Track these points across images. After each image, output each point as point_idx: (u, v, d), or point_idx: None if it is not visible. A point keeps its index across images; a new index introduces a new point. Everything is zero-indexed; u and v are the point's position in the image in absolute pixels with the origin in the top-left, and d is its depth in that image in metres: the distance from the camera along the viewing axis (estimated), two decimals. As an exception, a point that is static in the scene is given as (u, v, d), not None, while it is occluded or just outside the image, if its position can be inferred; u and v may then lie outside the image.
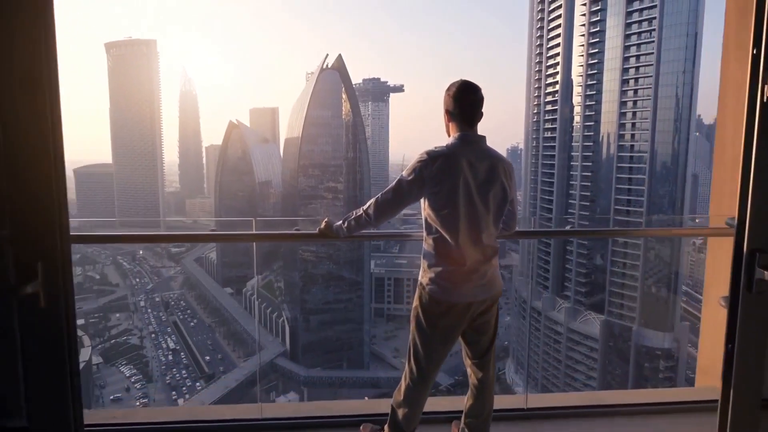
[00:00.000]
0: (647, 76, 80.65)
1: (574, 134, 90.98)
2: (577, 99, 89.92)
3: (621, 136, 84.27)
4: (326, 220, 4.41)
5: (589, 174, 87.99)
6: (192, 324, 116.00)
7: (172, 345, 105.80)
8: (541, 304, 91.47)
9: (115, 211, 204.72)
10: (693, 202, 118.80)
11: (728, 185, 5.15)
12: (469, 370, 4.23)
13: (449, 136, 3.91)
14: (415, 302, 3.99)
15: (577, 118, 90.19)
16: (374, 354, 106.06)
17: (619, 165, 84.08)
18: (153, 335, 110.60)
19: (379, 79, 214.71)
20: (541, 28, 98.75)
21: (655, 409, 5.07)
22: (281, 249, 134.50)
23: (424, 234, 3.88)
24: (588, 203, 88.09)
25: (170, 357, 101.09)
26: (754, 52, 2.58)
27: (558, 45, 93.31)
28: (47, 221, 2.34)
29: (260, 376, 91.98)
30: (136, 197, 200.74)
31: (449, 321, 3.85)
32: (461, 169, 3.62)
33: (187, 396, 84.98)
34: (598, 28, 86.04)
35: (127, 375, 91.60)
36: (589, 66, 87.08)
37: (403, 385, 4.08)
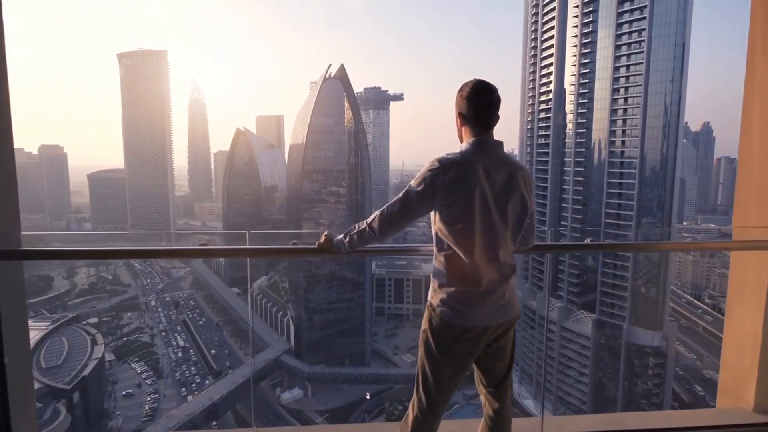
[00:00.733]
0: (637, 85, 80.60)
1: (566, 140, 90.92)
2: (569, 107, 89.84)
3: (612, 143, 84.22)
4: (326, 233, 4.00)
5: (582, 179, 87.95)
6: (201, 322, 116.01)
7: (181, 343, 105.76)
8: (536, 304, 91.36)
9: (127, 214, 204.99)
10: (681, 206, 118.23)
11: (755, 193, 4.76)
12: (483, 399, 3.78)
13: (462, 141, 3.46)
14: (424, 325, 3.51)
15: (569, 125, 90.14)
16: (375, 351, 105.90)
17: (610, 170, 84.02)
18: (163, 333, 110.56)
19: (379, 88, 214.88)
20: (535, 39, 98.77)
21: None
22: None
23: (435, 250, 3.44)
24: (580, 207, 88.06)
25: (180, 354, 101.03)
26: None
27: (551, 55, 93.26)
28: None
29: (266, 373, 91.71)
30: (147, 201, 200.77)
31: (462, 347, 3.40)
32: (477, 179, 3.18)
33: (196, 392, 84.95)
34: (589, 39, 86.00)
35: (139, 371, 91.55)
36: (581, 75, 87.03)
37: (410, 415, 3.60)
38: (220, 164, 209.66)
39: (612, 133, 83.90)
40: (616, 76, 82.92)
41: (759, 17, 4.73)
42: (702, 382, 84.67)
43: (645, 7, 79.21)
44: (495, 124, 3.41)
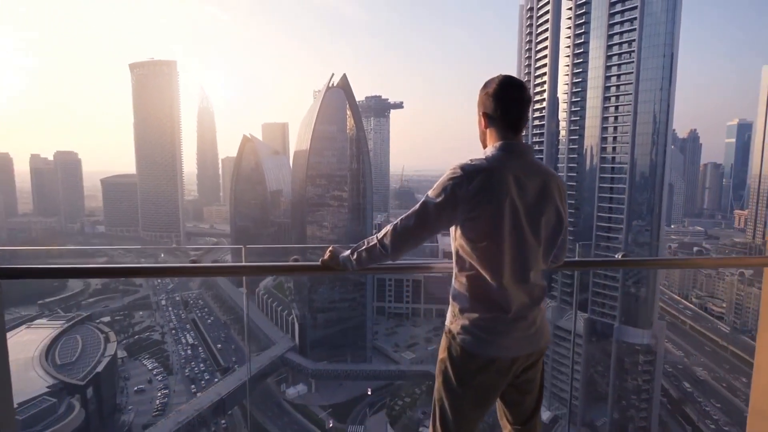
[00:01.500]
0: (627, 94, 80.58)
1: (560, 147, 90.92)
2: (562, 115, 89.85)
3: (603, 149, 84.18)
4: (331, 249, 3.50)
5: (574, 183, 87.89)
6: (209, 321, 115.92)
7: (190, 340, 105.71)
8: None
9: (139, 217, 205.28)
10: (669, 210, 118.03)
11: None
12: None
13: (485, 146, 3.01)
14: (442, 353, 3.06)
15: (562, 132, 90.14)
16: (376, 348, 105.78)
17: (601, 175, 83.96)
18: (173, 331, 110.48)
19: (380, 96, 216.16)
20: (529, 49, 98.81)
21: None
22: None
23: (455, 269, 3.00)
24: (573, 210, 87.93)
25: (189, 351, 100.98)
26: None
27: (545, 65, 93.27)
28: None
29: (271, 370, 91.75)
30: (158, 204, 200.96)
31: (486, 379, 2.95)
32: (506, 189, 2.72)
33: (204, 388, 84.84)
34: (581, 50, 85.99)
35: (150, 368, 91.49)
36: (574, 84, 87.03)
37: None
38: (227, 169, 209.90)
39: (603, 139, 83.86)
40: (607, 85, 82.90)
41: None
42: (690, 378, 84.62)
43: (635, 19, 79.23)
44: (525, 126, 2.99)
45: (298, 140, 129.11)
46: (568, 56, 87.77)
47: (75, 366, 72.39)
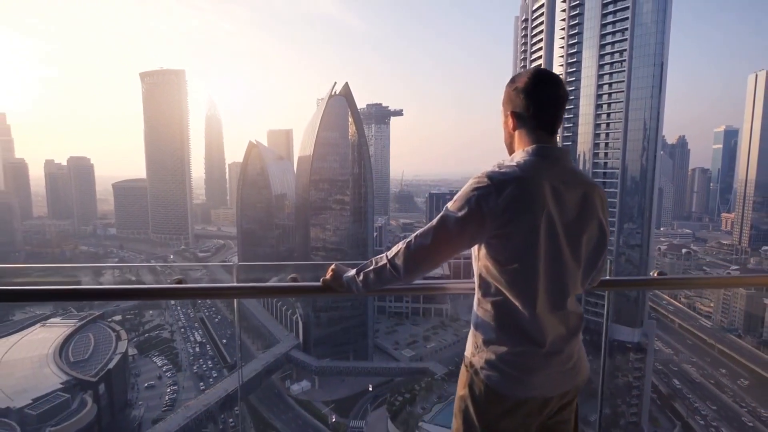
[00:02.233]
0: (618, 102, 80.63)
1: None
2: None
3: (596, 154, 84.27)
4: (333, 267, 3.07)
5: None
6: (216, 320, 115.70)
7: (199, 338, 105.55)
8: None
9: (149, 220, 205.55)
10: (659, 212, 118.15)
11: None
12: None
13: (512, 150, 2.58)
14: (462, 390, 2.60)
15: (556, 138, 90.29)
16: (377, 346, 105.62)
17: (594, 179, 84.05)
18: (182, 330, 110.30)
19: (381, 104, 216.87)
20: (524, 59, 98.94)
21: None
22: (295, 254, 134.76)
23: (477, 293, 2.54)
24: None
25: (197, 349, 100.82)
26: None
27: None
28: None
29: (276, 367, 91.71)
30: (167, 208, 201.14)
31: (515, 422, 2.50)
32: (543, 201, 2.26)
33: (212, 384, 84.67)
34: (575, 59, 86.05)
35: (159, 365, 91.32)
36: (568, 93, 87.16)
37: None
38: (234, 174, 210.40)
39: (596, 145, 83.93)
40: (599, 93, 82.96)
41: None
42: (679, 375, 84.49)
43: (626, 29, 79.33)
44: (559, 128, 2.55)
45: (302, 146, 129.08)
46: (562, 65, 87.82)
47: (88, 363, 72.27)
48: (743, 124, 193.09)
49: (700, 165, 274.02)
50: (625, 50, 79.71)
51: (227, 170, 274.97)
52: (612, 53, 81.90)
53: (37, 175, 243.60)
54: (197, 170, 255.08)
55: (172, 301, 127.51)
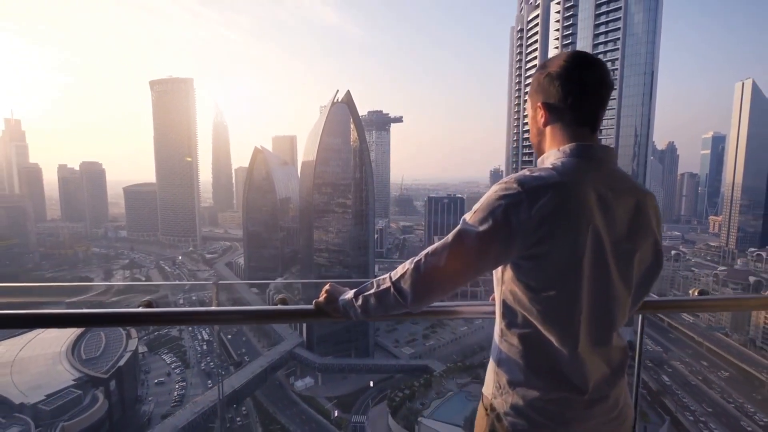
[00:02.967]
0: (611, 109, 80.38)
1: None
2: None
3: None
4: (328, 288, 2.44)
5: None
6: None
7: (206, 337, 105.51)
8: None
9: (158, 223, 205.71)
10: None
11: None
12: None
13: (542, 151, 2.08)
14: None
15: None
16: (378, 344, 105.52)
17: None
18: (190, 328, 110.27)
19: (381, 111, 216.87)
20: (520, 68, 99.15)
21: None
22: (299, 255, 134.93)
23: (500, 323, 2.02)
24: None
25: (205, 347, 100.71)
26: None
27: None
28: None
29: (280, 364, 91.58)
30: (176, 211, 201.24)
31: None
32: (589, 214, 1.78)
33: (219, 380, 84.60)
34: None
35: (168, 362, 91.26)
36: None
37: None
38: (240, 179, 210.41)
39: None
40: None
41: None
42: (668, 372, 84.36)
43: (618, 39, 79.60)
44: (601, 124, 2.07)
45: (306, 151, 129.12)
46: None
47: (99, 360, 72.22)
48: (730, 130, 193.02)
49: (688, 170, 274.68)
50: (617, 59, 79.92)
51: (233, 175, 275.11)
52: (604, 62, 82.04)
53: (50, 179, 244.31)
54: (205, 175, 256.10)
55: (181, 301, 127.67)
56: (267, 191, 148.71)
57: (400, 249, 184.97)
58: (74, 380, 61.83)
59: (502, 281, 1.97)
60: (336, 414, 77.81)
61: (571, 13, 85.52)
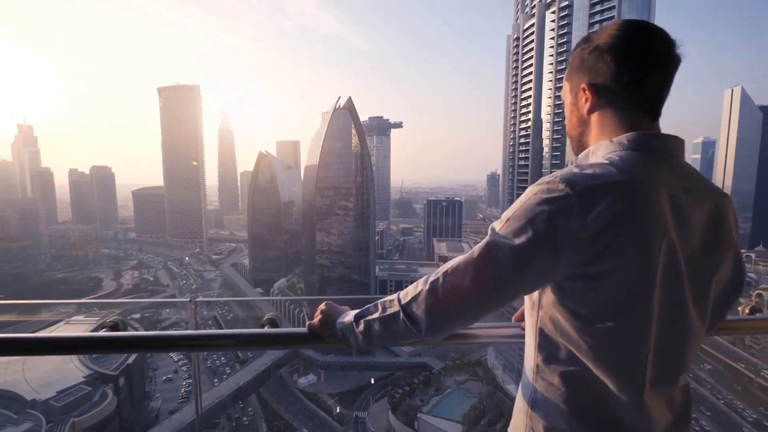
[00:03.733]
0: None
1: (543, 162, 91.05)
2: (546, 134, 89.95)
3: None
4: (324, 309, 2.01)
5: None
6: (229, 318, 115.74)
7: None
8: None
9: (166, 225, 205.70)
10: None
11: None
12: None
13: (581, 145, 1.62)
14: None
15: (546, 149, 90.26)
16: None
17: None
18: (196, 327, 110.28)
19: (382, 117, 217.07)
20: (516, 74, 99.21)
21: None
22: (302, 256, 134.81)
23: (534, 355, 1.54)
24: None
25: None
26: None
27: (530, 89, 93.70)
28: None
29: (284, 362, 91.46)
30: (183, 214, 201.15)
31: None
32: (663, 221, 1.33)
33: (224, 378, 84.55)
34: (563, 75, 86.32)
35: (176, 359, 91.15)
36: (556, 106, 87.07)
37: None
38: (245, 182, 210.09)
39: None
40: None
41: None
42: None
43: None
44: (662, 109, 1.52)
45: (309, 156, 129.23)
46: (551, 80, 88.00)
47: (108, 358, 72.05)
48: (720, 136, 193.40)
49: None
50: (610, 67, 79.91)
51: (239, 178, 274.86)
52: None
53: (62, 183, 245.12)
54: (211, 178, 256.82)
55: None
56: (271, 194, 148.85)
57: (400, 250, 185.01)
58: (84, 377, 61.80)
59: (539, 305, 1.49)
60: (338, 410, 77.76)
61: (566, 22, 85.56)
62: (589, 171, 1.33)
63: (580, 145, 1.62)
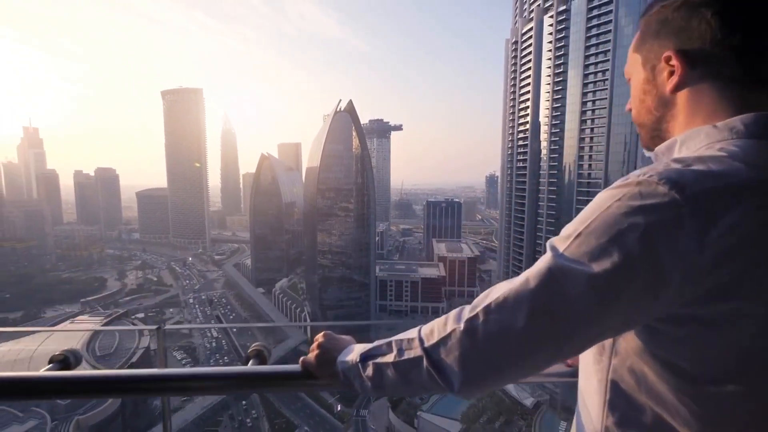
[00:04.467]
0: (601, 117, 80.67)
1: (541, 164, 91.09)
2: (544, 136, 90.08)
3: (580, 166, 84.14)
4: (321, 341, 1.55)
5: (554, 196, 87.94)
6: (231, 317, 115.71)
7: (215, 334, 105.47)
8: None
9: (170, 225, 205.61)
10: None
11: None
12: None
13: (666, 134, 1.06)
14: None
15: (544, 152, 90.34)
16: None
17: (578, 189, 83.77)
18: (199, 328, 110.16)
19: (382, 119, 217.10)
20: (514, 78, 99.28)
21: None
22: (303, 256, 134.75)
23: (600, 414, 1.02)
24: (553, 220, 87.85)
25: (213, 344, 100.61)
26: None
27: (528, 92, 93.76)
28: None
29: (285, 360, 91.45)
30: (186, 215, 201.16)
31: None
32: None
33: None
34: (561, 78, 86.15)
35: (179, 359, 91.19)
36: (554, 109, 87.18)
37: None
38: (247, 184, 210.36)
39: (580, 157, 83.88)
40: (583, 109, 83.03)
41: None
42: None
43: (608, 51, 79.37)
44: None
45: (310, 158, 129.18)
46: (549, 84, 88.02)
47: (113, 356, 72.09)
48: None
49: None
50: (608, 70, 79.74)
51: (241, 180, 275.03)
52: (595, 73, 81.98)
53: (67, 184, 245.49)
54: (214, 180, 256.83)
55: (191, 300, 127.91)
56: (273, 196, 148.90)
57: (400, 251, 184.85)
58: (88, 376, 61.82)
59: (613, 351, 0.99)
60: (339, 408, 77.71)
61: (564, 26, 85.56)
62: (700, 167, 0.84)
63: (657, 135, 1.10)
